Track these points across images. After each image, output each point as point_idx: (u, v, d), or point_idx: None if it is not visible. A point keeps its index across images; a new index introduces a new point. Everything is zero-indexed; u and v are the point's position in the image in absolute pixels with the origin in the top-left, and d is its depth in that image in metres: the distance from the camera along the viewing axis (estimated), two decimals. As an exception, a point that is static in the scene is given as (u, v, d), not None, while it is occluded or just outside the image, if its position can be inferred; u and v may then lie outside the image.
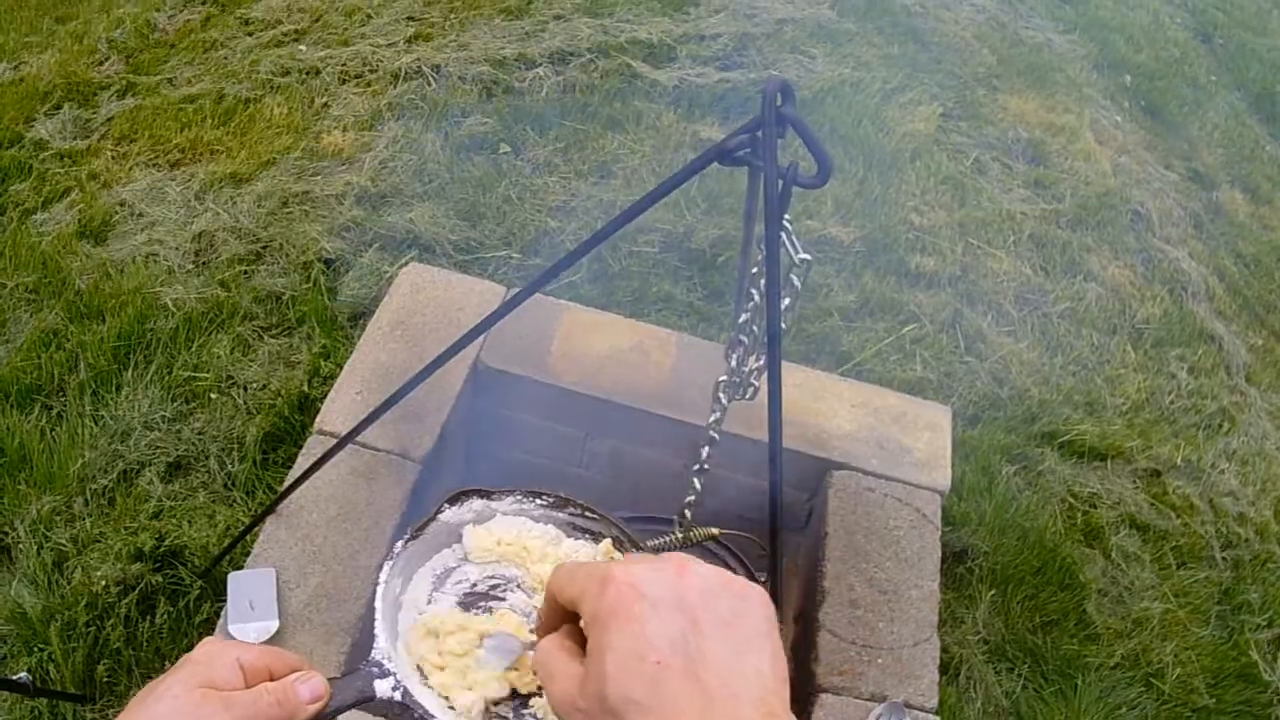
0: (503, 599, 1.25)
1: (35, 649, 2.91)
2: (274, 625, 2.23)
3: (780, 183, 1.46)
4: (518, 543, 1.27)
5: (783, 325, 1.56)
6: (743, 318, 1.74)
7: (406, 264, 3.26)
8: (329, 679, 0.94)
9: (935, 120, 5.32)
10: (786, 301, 1.56)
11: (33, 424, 3.48)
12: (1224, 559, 3.76)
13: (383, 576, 1.19)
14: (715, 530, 2.43)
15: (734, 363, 1.84)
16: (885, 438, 2.77)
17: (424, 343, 2.77)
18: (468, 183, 4.48)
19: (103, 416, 3.50)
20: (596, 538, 1.29)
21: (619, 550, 1.27)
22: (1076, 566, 3.54)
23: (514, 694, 1.17)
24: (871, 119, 5.20)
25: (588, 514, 1.31)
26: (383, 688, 1.04)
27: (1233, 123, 6.44)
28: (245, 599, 2.27)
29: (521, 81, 5.09)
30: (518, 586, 1.25)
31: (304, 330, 3.80)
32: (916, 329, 4.19)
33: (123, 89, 4.95)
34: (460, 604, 1.24)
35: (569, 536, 1.30)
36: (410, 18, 5.46)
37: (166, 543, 3.09)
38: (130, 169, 4.47)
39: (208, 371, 3.65)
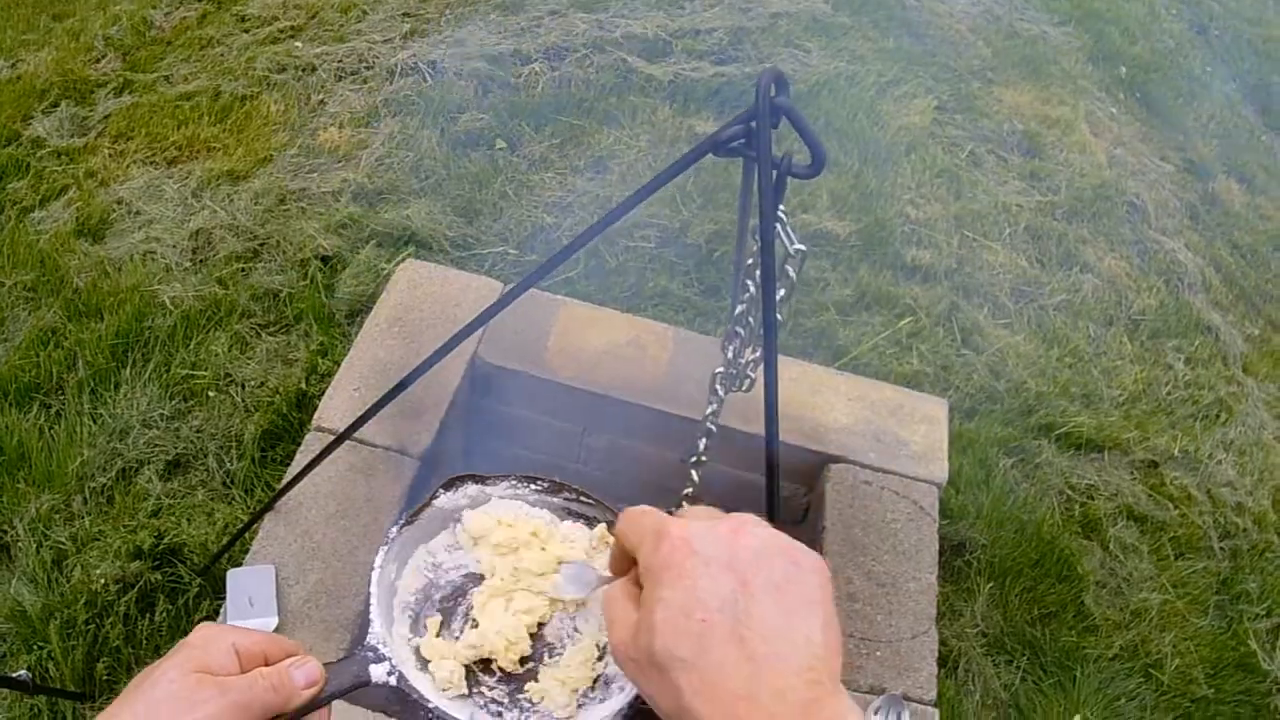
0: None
1: (35, 647, 2.91)
2: (273, 622, 2.23)
3: (775, 173, 1.46)
4: (519, 525, 1.28)
5: (779, 317, 1.56)
6: (739, 309, 1.74)
7: (403, 260, 3.27)
8: (324, 664, 0.94)
9: (930, 113, 5.32)
10: (782, 293, 1.56)
11: (31, 422, 3.48)
12: (1222, 549, 3.77)
13: (377, 562, 1.20)
14: (713, 523, 2.42)
15: (730, 354, 1.84)
16: (882, 431, 2.77)
17: (421, 339, 2.77)
18: (464, 179, 4.48)
19: (101, 415, 3.51)
20: (591, 522, 1.30)
21: (613, 534, 1.27)
22: (1074, 558, 3.54)
23: (509, 677, 1.18)
24: (866, 112, 5.20)
25: (582, 499, 1.31)
26: (378, 672, 1.04)
27: (1228, 113, 6.45)
28: (244, 596, 2.27)
29: (517, 77, 5.09)
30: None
31: (302, 327, 3.81)
32: (913, 322, 4.19)
33: (119, 86, 4.95)
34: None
35: (564, 521, 1.30)
36: (406, 14, 5.46)
37: (165, 540, 3.09)
38: (127, 167, 4.47)
39: (206, 369, 3.65)
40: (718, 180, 4.48)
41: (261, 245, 4.13)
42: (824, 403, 2.81)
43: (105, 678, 2.87)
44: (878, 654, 2.37)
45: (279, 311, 3.88)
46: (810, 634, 0.71)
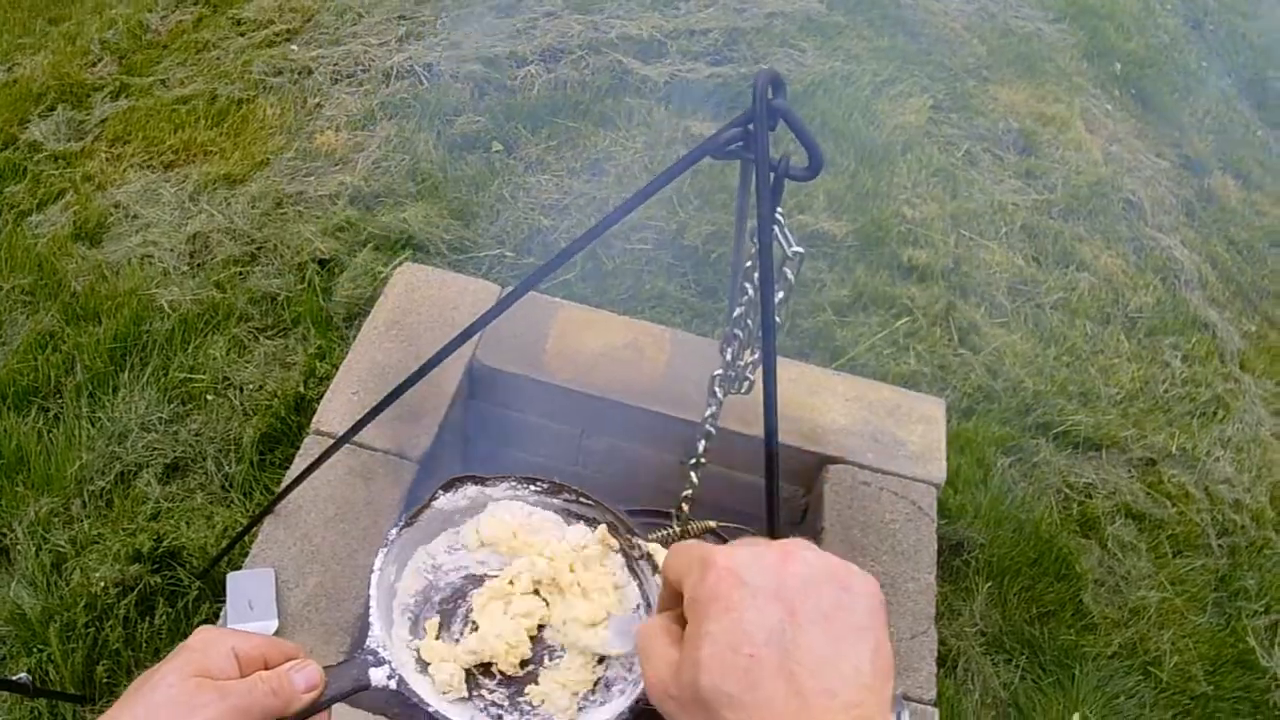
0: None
1: (35, 650, 2.91)
2: (273, 625, 2.24)
3: (772, 175, 1.47)
4: (525, 534, 1.28)
5: (777, 319, 1.56)
6: (737, 311, 1.74)
7: (401, 264, 3.27)
8: (324, 667, 0.94)
9: (926, 112, 5.33)
10: (780, 295, 1.57)
11: (30, 426, 3.49)
12: (1220, 546, 3.78)
13: (377, 564, 1.20)
14: (712, 523, 2.44)
15: (729, 357, 1.84)
16: (880, 431, 2.77)
17: (419, 342, 2.77)
18: (461, 182, 4.48)
19: (100, 418, 3.51)
20: (591, 523, 1.30)
21: (615, 536, 1.28)
22: (1073, 557, 3.55)
23: (509, 680, 1.18)
24: (862, 112, 5.21)
25: (582, 500, 1.31)
26: (378, 676, 1.04)
27: (1223, 109, 6.45)
28: (244, 599, 2.27)
29: (513, 79, 5.10)
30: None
31: (299, 331, 3.81)
32: (910, 322, 4.20)
33: (116, 90, 4.95)
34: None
35: (567, 523, 1.31)
36: (401, 16, 5.46)
37: (165, 544, 3.09)
38: (124, 170, 4.48)
39: (204, 373, 3.65)
40: (714, 182, 4.48)
41: (259, 249, 4.13)
42: (822, 404, 2.81)
43: (105, 680, 2.87)
44: (877, 654, 2.37)
45: (277, 315, 3.88)
46: (859, 664, 0.69)
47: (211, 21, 5.43)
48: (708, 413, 1.95)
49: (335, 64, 5.11)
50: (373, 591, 1.16)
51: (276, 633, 2.22)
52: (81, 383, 3.61)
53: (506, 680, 1.18)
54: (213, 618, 2.88)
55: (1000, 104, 5.62)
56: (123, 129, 4.70)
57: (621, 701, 1.14)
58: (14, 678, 2.42)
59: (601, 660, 1.19)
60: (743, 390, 1.93)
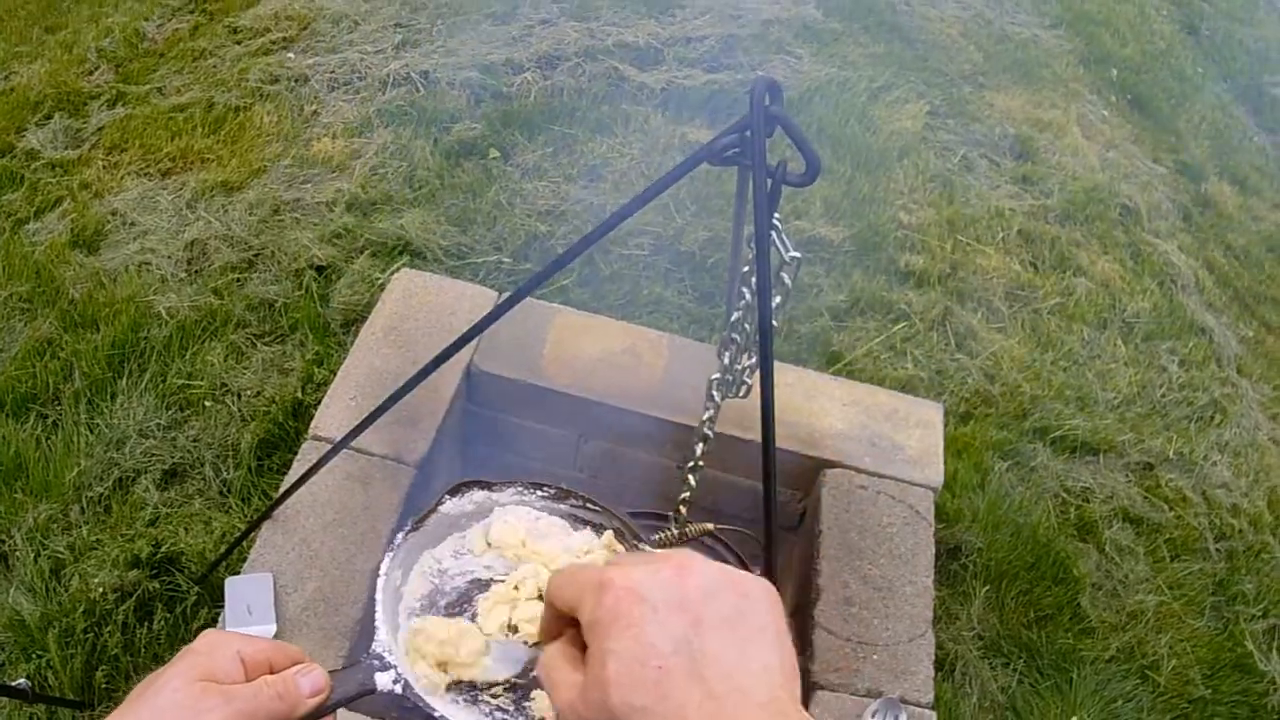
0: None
1: (34, 656, 2.91)
2: (272, 630, 2.24)
3: (769, 181, 1.47)
4: (533, 540, 1.28)
5: (774, 323, 1.57)
6: (734, 316, 1.75)
7: (398, 270, 3.27)
8: (330, 671, 0.93)
9: (922, 118, 5.34)
10: (777, 299, 1.57)
11: (28, 433, 3.48)
12: (1218, 550, 3.78)
13: (383, 568, 1.20)
14: (710, 525, 2.44)
15: (726, 361, 1.85)
16: (877, 435, 2.78)
17: (417, 348, 2.78)
18: (458, 188, 4.49)
19: (98, 425, 3.51)
20: (598, 529, 1.30)
21: (621, 542, 1.28)
22: (1070, 561, 3.55)
23: (514, 686, 1.18)
24: (859, 118, 5.22)
25: (589, 506, 1.31)
26: (384, 680, 1.03)
27: (1220, 114, 6.47)
28: (243, 604, 2.28)
29: (509, 86, 5.10)
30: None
31: (297, 337, 3.81)
32: (907, 327, 4.20)
33: (113, 98, 4.95)
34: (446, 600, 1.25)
35: (574, 528, 1.30)
36: (398, 24, 5.46)
37: (163, 549, 3.09)
38: (122, 178, 4.48)
39: (202, 379, 3.65)
40: (711, 188, 4.49)
41: (256, 256, 4.13)
42: (819, 408, 2.82)
43: (104, 686, 2.87)
44: (874, 657, 2.38)
45: (274, 321, 3.88)
46: (768, 661, 0.70)
47: (208, 30, 5.43)
48: (705, 416, 1.95)
49: (332, 71, 5.11)
50: (379, 595, 1.16)
51: (275, 637, 2.22)
52: (80, 389, 3.61)
53: (512, 686, 1.18)
54: (211, 623, 2.88)
55: (997, 110, 5.63)
56: (120, 137, 4.70)
57: None
58: (13, 684, 2.42)
59: None
60: (740, 394, 1.94)
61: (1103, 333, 4.49)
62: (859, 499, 2.64)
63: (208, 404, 3.59)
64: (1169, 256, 4.99)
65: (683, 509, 2.28)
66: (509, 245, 4.25)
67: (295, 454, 2.59)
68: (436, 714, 1.08)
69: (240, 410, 3.56)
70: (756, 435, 1.65)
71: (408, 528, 1.25)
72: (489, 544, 1.28)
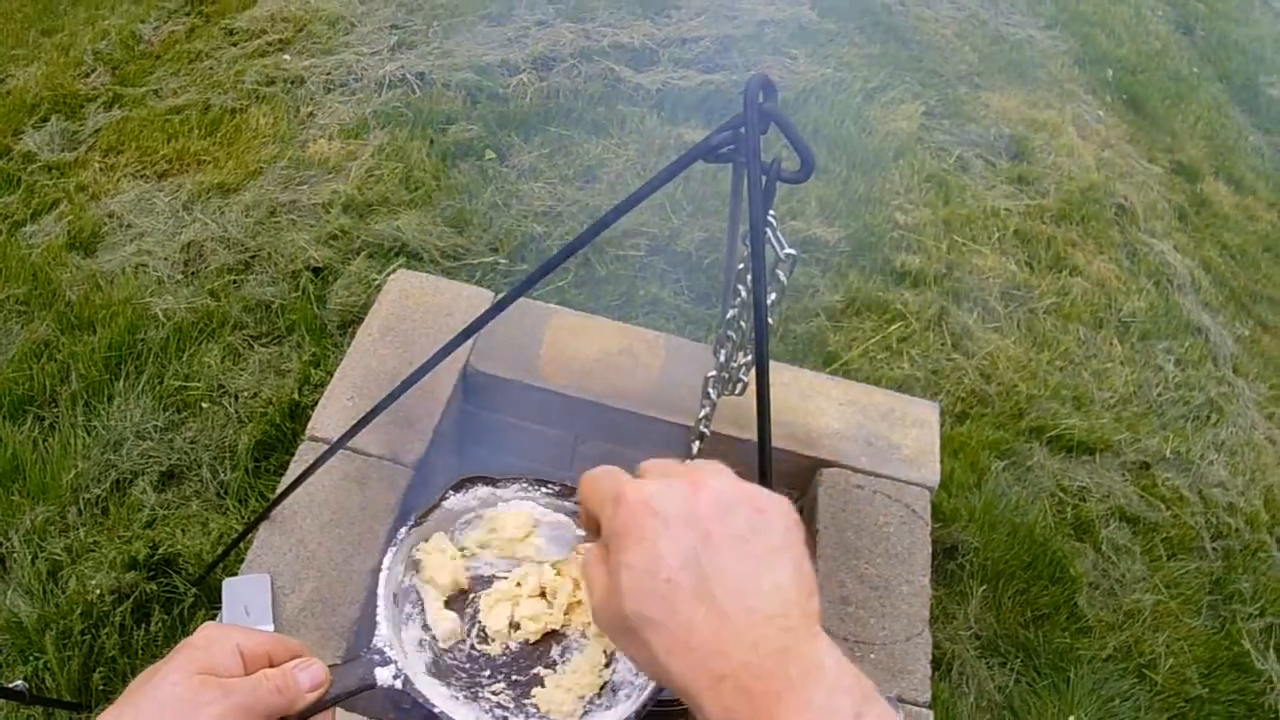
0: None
1: (31, 658, 2.91)
2: (269, 630, 2.24)
3: (764, 178, 1.47)
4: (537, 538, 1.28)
5: (770, 321, 1.57)
6: (730, 313, 1.75)
7: (395, 271, 3.27)
8: (330, 666, 0.93)
9: (918, 118, 5.34)
10: (773, 297, 1.57)
11: (25, 435, 3.49)
12: (1214, 549, 3.78)
13: (385, 563, 1.19)
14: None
15: (722, 358, 1.85)
16: (874, 435, 2.78)
17: (414, 348, 2.78)
18: (454, 189, 4.49)
19: (95, 427, 3.51)
20: None
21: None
22: (1067, 560, 3.55)
23: (515, 683, 1.18)
24: (854, 118, 5.22)
25: None
26: (384, 675, 1.03)
27: (1215, 114, 6.48)
28: (240, 605, 2.28)
29: (505, 88, 5.10)
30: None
31: (294, 338, 3.81)
32: (903, 327, 4.21)
33: (109, 101, 4.96)
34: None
35: (577, 526, 1.30)
36: (393, 26, 5.47)
37: (160, 551, 3.09)
38: (118, 180, 4.48)
39: (199, 381, 3.65)
40: (707, 188, 4.49)
41: (253, 257, 4.14)
42: (815, 408, 2.82)
43: (101, 688, 2.87)
44: (871, 657, 2.38)
45: (271, 323, 3.88)
46: (779, 580, 0.71)
47: (204, 32, 5.44)
48: (701, 414, 1.96)
49: (328, 73, 5.11)
50: (380, 590, 1.16)
51: (272, 638, 2.22)
52: (77, 391, 3.61)
53: (512, 683, 1.18)
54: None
55: (992, 110, 5.64)
56: (116, 139, 4.71)
57: (627, 706, 1.13)
58: (11, 686, 2.42)
59: (608, 664, 1.19)
60: (736, 391, 1.94)
61: (1099, 332, 4.49)
62: (855, 498, 2.64)
63: (205, 405, 3.59)
64: (1165, 256, 5.00)
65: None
66: (505, 246, 4.25)
67: (292, 455, 2.59)
68: (437, 709, 1.08)
69: (237, 411, 3.56)
70: (753, 434, 1.65)
71: (410, 523, 1.25)
72: (491, 541, 1.28)
